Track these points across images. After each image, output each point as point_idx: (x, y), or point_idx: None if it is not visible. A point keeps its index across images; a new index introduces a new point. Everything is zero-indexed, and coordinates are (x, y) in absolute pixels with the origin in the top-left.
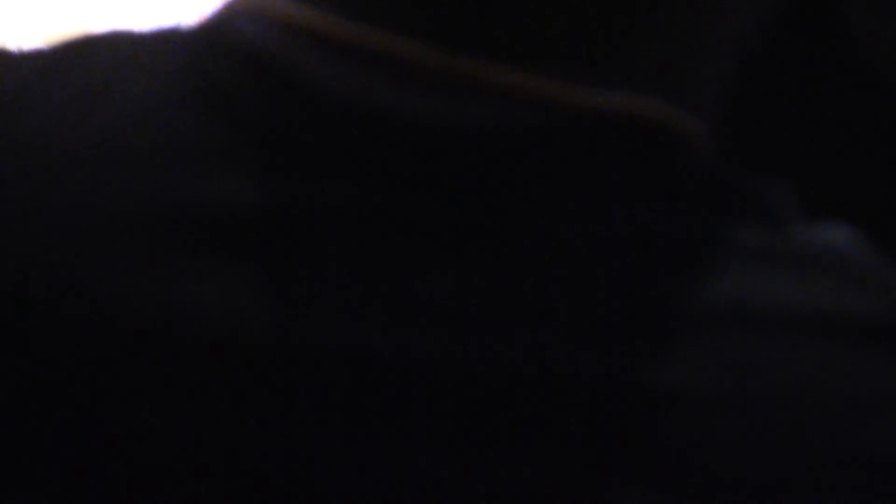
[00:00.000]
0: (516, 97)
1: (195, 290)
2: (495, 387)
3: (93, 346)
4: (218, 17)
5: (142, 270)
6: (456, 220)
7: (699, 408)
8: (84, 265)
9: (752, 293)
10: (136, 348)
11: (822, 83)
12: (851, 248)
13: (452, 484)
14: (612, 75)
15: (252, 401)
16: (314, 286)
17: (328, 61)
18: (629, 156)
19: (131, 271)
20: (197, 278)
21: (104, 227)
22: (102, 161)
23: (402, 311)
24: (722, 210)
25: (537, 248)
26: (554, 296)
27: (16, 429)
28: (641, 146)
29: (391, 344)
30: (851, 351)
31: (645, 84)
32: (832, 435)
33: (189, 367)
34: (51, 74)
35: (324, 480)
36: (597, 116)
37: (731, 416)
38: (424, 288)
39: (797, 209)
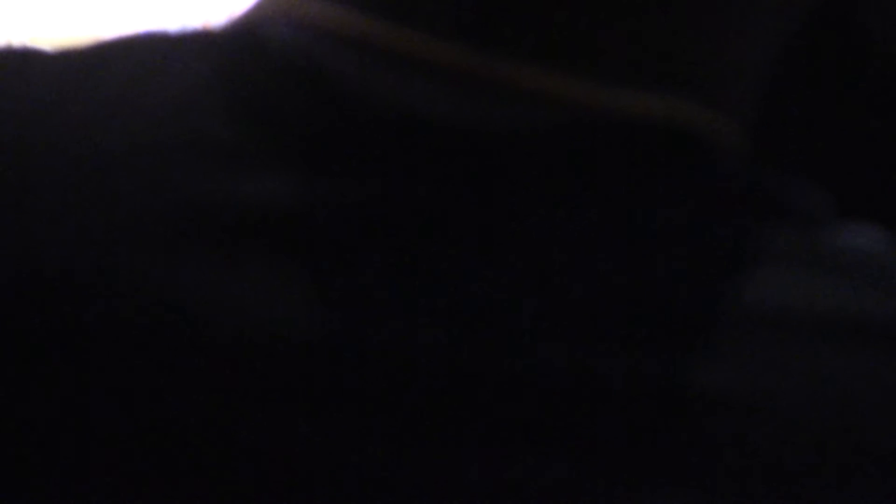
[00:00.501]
0: (546, 99)
1: (235, 287)
2: (535, 388)
3: (130, 343)
4: (248, 18)
5: (181, 267)
6: (492, 222)
7: (735, 410)
8: (123, 263)
9: (785, 296)
10: (176, 346)
11: (856, 84)
12: (884, 251)
13: (494, 485)
14: (643, 77)
15: (296, 399)
16: (353, 284)
17: (358, 62)
18: (660, 158)
19: (170, 268)
20: (236, 275)
21: (141, 224)
22: (136, 159)
23: (440, 309)
24: (753, 213)
25: (571, 250)
26: (589, 298)
27: (56, 423)
28: (672, 148)
29: (431, 342)
30: (883, 355)
31: (676, 85)
32: (866, 438)
33: (231, 366)
34: (82, 75)
35: (370, 479)
36: (628, 119)
37: (766, 419)
38: (461, 287)
39: (830, 211)
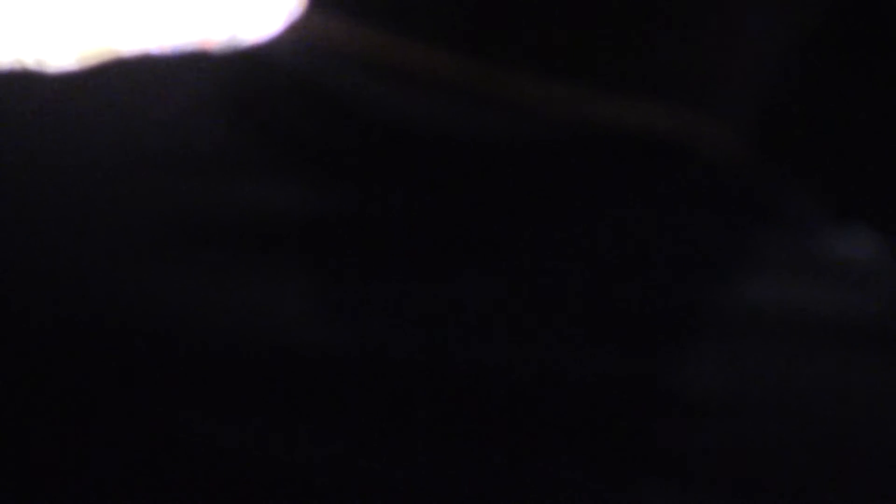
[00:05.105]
0: (545, 110)
1: (240, 293)
2: (530, 391)
3: (135, 349)
4: (257, 41)
5: (186, 274)
6: (492, 230)
7: (726, 412)
8: (129, 269)
9: (776, 300)
10: (180, 352)
11: (857, 88)
12: (875, 255)
13: (492, 486)
14: (640, 86)
15: (301, 405)
16: (358, 291)
17: (361, 75)
18: (655, 167)
19: (175, 275)
20: (241, 282)
21: (148, 232)
22: (141, 169)
23: (443, 316)
24: (746, 219)
25: (566, 256)
26: (587, 302)
27: (56, 427)
28: (668, 157)
29: (432, 347)
30: (874, 359)
31: (673, 95)
32: (856, 439)
33: (236, 372)
34: (86, 91)
35: (372, 485)
36: (623, 128)
37: (757, 421)
38: (463, 294)
39: (824, 215)
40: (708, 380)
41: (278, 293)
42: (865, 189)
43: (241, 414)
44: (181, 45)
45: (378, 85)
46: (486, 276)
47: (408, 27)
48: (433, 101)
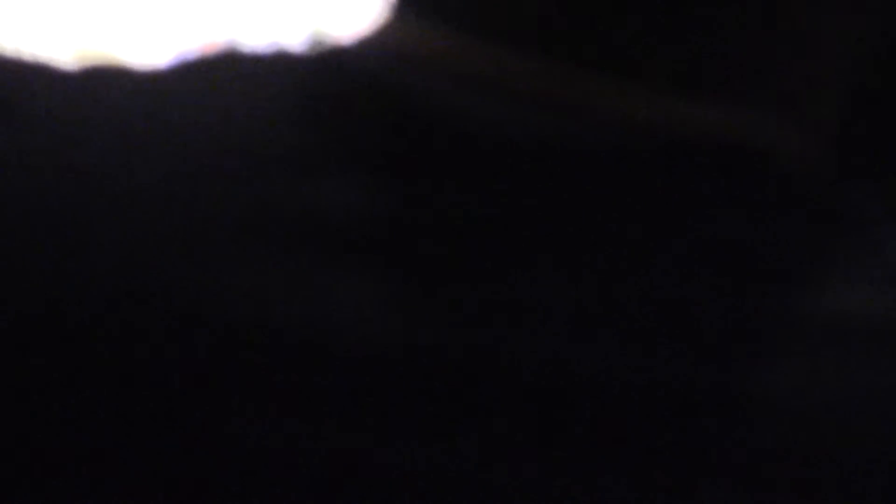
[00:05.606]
0: (620, 116)
1: (319, 295)
2: (599, 394)
3: (207, 354)
4: (336, 43)
5: (261, 276)
6: (570, 235)
7: (793, 418)
8: (204, 264)
9: (848, 307)
10: (261, 356)
11: None
12: None
13: (545, 487)
14: (720, 92)
15: (371, 405)
16: (431, 291)
17: (434, 78)
18: (733, 173)
19: (251, 271)
20: (318, 284)
21: (224, 228)
22: (217, 168)
23: (517, 315)
24: (824, 227)
25: (637, 261)
26: (653, 304)
27: (119, 430)
28: (744, 163)
29: (511, 348)
30: None
31: (753, 100)
32: None
33: (316, 376)
34: (164, 87)
35: (455, 492)
36: (700, 134)
37: (824, 427)
38: (531, 295)
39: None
40: (774, 385)
41: (347, 293)
42: None
43: (310, 412)
44: (261, 45)
45: (455, 90)
46: (554, 280)
47: (486, 31)
48: (511, 107)
